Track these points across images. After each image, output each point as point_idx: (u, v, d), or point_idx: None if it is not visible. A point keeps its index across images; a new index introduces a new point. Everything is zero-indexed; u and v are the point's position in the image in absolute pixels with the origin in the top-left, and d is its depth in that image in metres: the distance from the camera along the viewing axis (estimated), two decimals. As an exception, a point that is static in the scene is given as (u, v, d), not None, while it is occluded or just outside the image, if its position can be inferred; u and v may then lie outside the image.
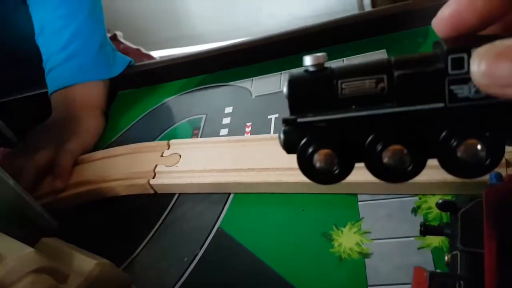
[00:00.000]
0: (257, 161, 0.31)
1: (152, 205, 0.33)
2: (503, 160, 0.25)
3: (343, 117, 0.15)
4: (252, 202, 0.30)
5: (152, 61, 0.50)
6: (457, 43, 0.14)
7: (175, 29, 0.66)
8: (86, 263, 0.26)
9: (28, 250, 0.25)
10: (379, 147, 0.15)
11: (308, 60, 0.15)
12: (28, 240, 0.28)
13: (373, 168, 0.15)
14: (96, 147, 0.41)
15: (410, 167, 0.15)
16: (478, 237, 0.19)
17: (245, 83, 0.42)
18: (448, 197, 0.25)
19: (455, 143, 0.14)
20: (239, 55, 0.44)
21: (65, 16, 0.44)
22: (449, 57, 0.14)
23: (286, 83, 0.15)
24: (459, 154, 0.14)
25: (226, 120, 0.39)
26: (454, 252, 0.20)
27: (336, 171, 0.15)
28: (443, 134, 0.14)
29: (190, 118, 0.41)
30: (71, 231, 0.34)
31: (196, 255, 0.28)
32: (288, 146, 0.16)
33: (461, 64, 0.14)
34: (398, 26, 0.40)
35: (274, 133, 0.35)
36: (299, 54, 0.42)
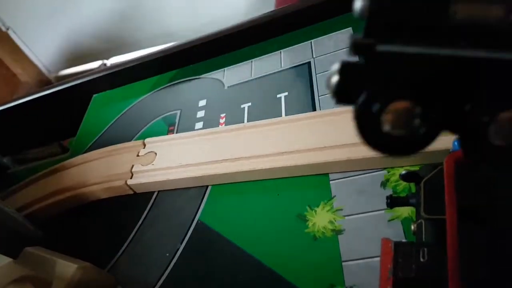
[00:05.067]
0: (231, 151, 0.31)
1: (132, 205, 0.33)
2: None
3: (447, 55, 0.09)
4: (229, 192, 0.31)
5: (124, 60, 0.50)
6: None
7: (147, 29, 0.65)
8: (67, 268, 0.26)
9: (7, 261, 0.25)
10: (488, 113, 0.09)
11: None
12: (12, 251, 0.28)
13: (472, 143, 0.10)
14: (75, 152, 0.41)
15: None
16: (441, 205, 0.20)
17: (217, 74, 0.42)
18: (416, 168, 0.25)
19: None
20: (209, 46, 0.44)
21: None
22: None
23: None
24: None
25: (201, 114, 0.39)
26: (419, 221, 0.21)
27: (420, 132, 0.10)
28: None
29: (165, 115, 0.41)
30: (56, 238, 0.34)
31: (178, 249, 0.28)
32: (346, 90, 0.10)
33: None
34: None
35: (247, 121, 0.35)
36: (269, 40, 0.42)
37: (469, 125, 0.10)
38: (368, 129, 0.10)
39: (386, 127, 0.10)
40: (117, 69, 0.48)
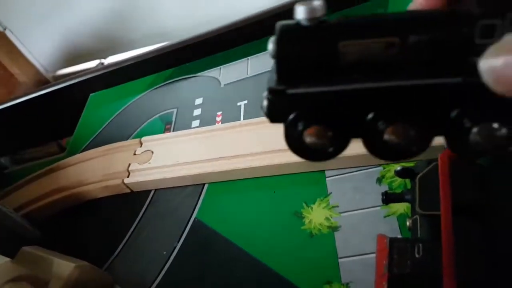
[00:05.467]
0: (227, 149, 0.31)
1: (129, 203, 0.33)
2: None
3: (343, 90, 0.12)
4: (226, 190, 0.31)
5: (120, 59, 0.50)
6: (488, 1, 0.11)
7: (144, 28, 0.65)
8: (65, 267, 0.26)
9: (4, 260, 0.25)
10: (381, 125, 0.12)
11: (301, 12, 0.12)
12: (11, 251, 0.29)
13: (371, 146, 0.13)
14: (72, 151, 0.41)
15: (415, 146, 0.12)
16: (436, 200, 0.20)
17: (213, 73, 0.42)
18: (411, 164, 0.25)
19: (469, 124, 0.12)
20: (205, 45, 0.44)
21: None
22: (479, 23, 0.11)
23: (274, 38, 0.12)
24: (472, 137, 0.12)
25: (197, 112, 0.39)
26: (414, 217, 0.21)
27: (330, 149, 0.13)
28: (455, 112, 0.12)
29: (162, 113, 0.40)
30: (53, 238, 0.34)
31: (175, 247, 0.29)
32: (273, 117, 0.13)
33: (491, 32, 0.11)
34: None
35: (244, 119, 0.35)
36: (265, 37, 0.42)
37: (370, 132, 0.13)
38: (294, 141, 0.13)
39: (307, 140, 0.12)
40: (113, 68, 0.48)
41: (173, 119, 0.39)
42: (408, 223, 0.21)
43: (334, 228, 0.24)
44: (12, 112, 0.49)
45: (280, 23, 0.13)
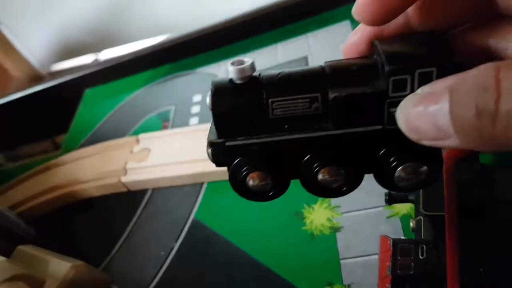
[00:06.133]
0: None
1: (126, 203, 0.33)
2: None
3: (275, 140, 0.14)
4: (225, 189, 0.30)
5: (117, 55, 0.49)
6: (398, 59, 0.13)
7: (140, 21, 0.64)
8: (60, 266, 0.26)
9: (0, 259, 0.24)
10: (314, 169, 0.14)
11: (232, 72, 0.13)
12: (5, 250, 0.28)
13: (308, 186, 0.15)
14: (67, 149, 0.40)
15: (345, 186, 0.15)
16: (440, 201, 0.20)
17: (212, 69, 0.41)
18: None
19: (394, 164, 0.14)
20: (203, 40, 0.43)
21: None
22: (391, 79, 0.12)
23: (209, 94, 0.14)
24: (397, 174, 0.14)
25: (196, 109, 0.38)
26: (418, 218, 0.20)
27: (271, 191, 0.15)
28: (382, 152, 0.14)
29: (159, 110, 0.40)
30: (49, 236, 0.33)
31: (173, 248, 0.28)
32: (218, 163, 0.15)
33: (403, 86, 0.12)
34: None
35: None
36: (265, 33, 0.42)
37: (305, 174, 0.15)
38: (237, 185, 0.14)
39: (249, 184, 0.14)
40: (109, 64, 0.47)
41: (171, 116, 0.38)
42: (411, 224, 0.21)
43: (336, 229, 0.24)
44: (5, 109, 0.48)
45: (214, 80, 0.14)
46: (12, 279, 0.24)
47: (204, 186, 0.31)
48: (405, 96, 0.12)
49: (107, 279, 0.28)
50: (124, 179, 0.33)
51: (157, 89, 0.43)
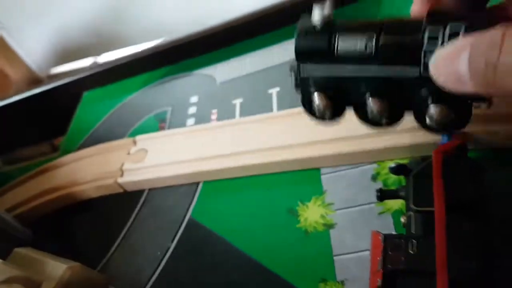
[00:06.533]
0: (222, 147, 0.31)
1: (123, 203, 0.33)
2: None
3: (336, 76, 0.18)
4: (221, 188, 0.30)
5: (114, 58, 0.49)
6: (435, 16, 0.16)
7: (139, 24, 0.64)
8: (57, 268, 0.26)
9: (-2, 262, 0.24)
10: (366, 98, 0.18)
11: (315, 15, 0.18)
12: (2, 252, 0.28)
13: (358, 112, 0.19)
14: (65, 151, 0.41)
15: (388, 117, 0.19)
16: (430, 197, 0.20)
17: (209, 70, 0.42)
18: (405, 161, 0.25)
19: (427, 104, 0.17)
20: (200, 42, 0.43)
21: None
22: (426, 31, 0.16)
23: (295, 33, 0.18)
24: (431, 111, 0.17)
25: (192, 110, 0.38)
26: (409, 213, 0.21)
27: (329, 112, 0.19)
28: (419, 93, 0.17)
29: (156, 111, 0.40)
30: (47, 238, 0.34)
31: (169, 248, 0.28)
32: (297, 85, 0.20)
33: (436, 38, 0.15)
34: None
35: (239, 117, 0.35)
36: (263, 34, 0.42)
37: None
38: (307, 103, 0.20)
39: (314, 101, 0.20)
40: (107, 66, 0.47)
41: (168, 117, 0.39)
42: (402, 220, 0.21)
43: (329, 226, 0.24)
44: (4, 112, 0.49)
45: (301, 21, 0.19)
46: (8, 280, 0.24)
47: (200, 185, 0.31)
48: (436, 48, 0.15)
49: (105, 280, 0.29)
50: (120, 180, 0.33)
51: (154, 90, 0.43)
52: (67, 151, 0.40)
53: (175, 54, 0.44)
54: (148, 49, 0.46)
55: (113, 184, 0.33)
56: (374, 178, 0.25)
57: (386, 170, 0.25)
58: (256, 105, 0.35)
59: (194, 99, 0.39)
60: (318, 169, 0.27)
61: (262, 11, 0.42)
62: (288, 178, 0.28)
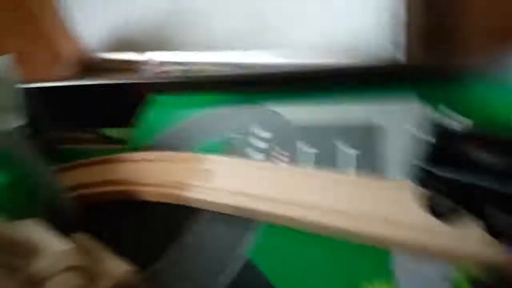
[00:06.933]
0: (298, 195, 0.31)
1: (180, 217, 0.33)
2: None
3: (473, 183, 0.19)
4: (287, 236, 0.30)
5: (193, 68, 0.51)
6: None
7: (196, 32, 0.66)
8: (118, 267, 0.26)
9: (68, 246, 0.24)
10: (486, 210, 0.19)
11: (456, 123, 0.19)
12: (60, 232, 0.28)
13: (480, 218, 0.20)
14: (130, 148, 0.41)
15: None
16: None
17: (286, 109, 0.42)
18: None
19: None
20: (294, 80, 0.44)
21: None
22: None
23: (434, 133, 0.20)
24: None
25: (263, 145, 0.39)
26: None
27: (453, 216, 0.21)
28: None
29: (225, 135, 0.41)
30: (90, 230, 0.33)
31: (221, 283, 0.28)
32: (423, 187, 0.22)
33: None
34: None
35: (310, 169, 0.35)
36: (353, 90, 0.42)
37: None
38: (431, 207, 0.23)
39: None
40: (179, 79, 0.48)
41: (235, 144, 0.39)
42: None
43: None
44: (64, 92, 0.49)
45: (439, 123, 0.21)
46: (72, 269, 0.24)
47: (260, 226, 0.31)
48: None
49: (149, 290, 0.28)
50: (185, 193, 0.33)
51: (227, 113, 0.44)
52: (133, 148, 0.40)
53: (259, 84, 0.45)
54: (235, 70, 0.47)
55: (177, 195, 0.33)
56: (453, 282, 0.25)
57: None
58: (332, 161, 0.35)
59: (266, 134, 0.40)
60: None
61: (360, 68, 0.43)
62: (359, 250, 0.28)
